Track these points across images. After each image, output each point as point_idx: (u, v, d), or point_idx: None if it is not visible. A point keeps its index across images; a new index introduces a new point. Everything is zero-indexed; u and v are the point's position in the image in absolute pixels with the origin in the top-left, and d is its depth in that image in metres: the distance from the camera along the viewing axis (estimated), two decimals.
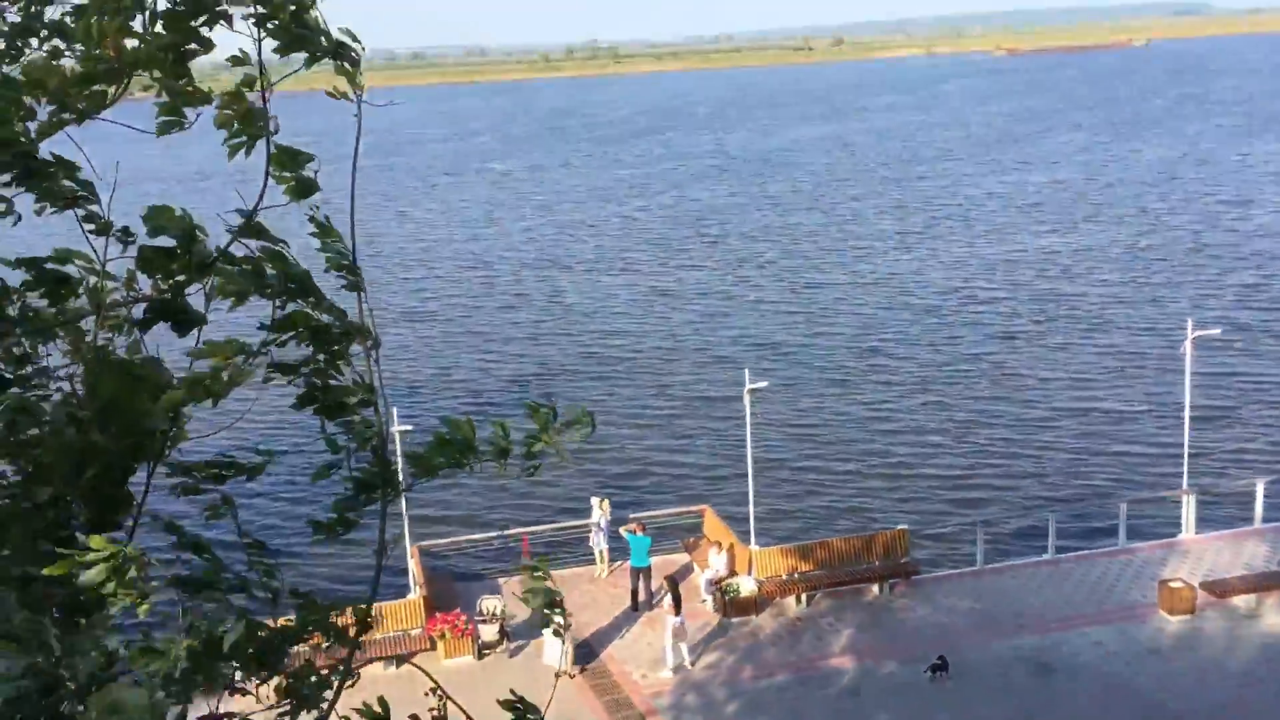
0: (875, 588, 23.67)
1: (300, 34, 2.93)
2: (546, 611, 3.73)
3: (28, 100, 2.99)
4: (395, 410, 21.82)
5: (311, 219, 3.07)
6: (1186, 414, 26.21)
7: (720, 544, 23.99)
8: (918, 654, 21.04)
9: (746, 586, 23.02)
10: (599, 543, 24.93)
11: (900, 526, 24.97)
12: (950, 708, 19.61)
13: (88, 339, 3.29)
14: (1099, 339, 43.43)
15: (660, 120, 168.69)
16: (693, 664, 21.18)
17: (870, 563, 23.98)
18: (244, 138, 3.12)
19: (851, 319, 48.08)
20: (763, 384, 25.58)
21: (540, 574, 3.81)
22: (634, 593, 23.36)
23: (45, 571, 2.84)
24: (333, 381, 3.24)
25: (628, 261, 63.35)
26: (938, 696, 19.97)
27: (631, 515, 25.48)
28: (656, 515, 26.86)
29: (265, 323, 3.09)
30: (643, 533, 23.70)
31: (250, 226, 3.08)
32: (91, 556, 2.78)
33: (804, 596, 23.40)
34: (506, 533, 26.63)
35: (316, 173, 3.23)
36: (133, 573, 2.89)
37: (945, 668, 20.38)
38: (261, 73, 2.93)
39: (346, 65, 2.96)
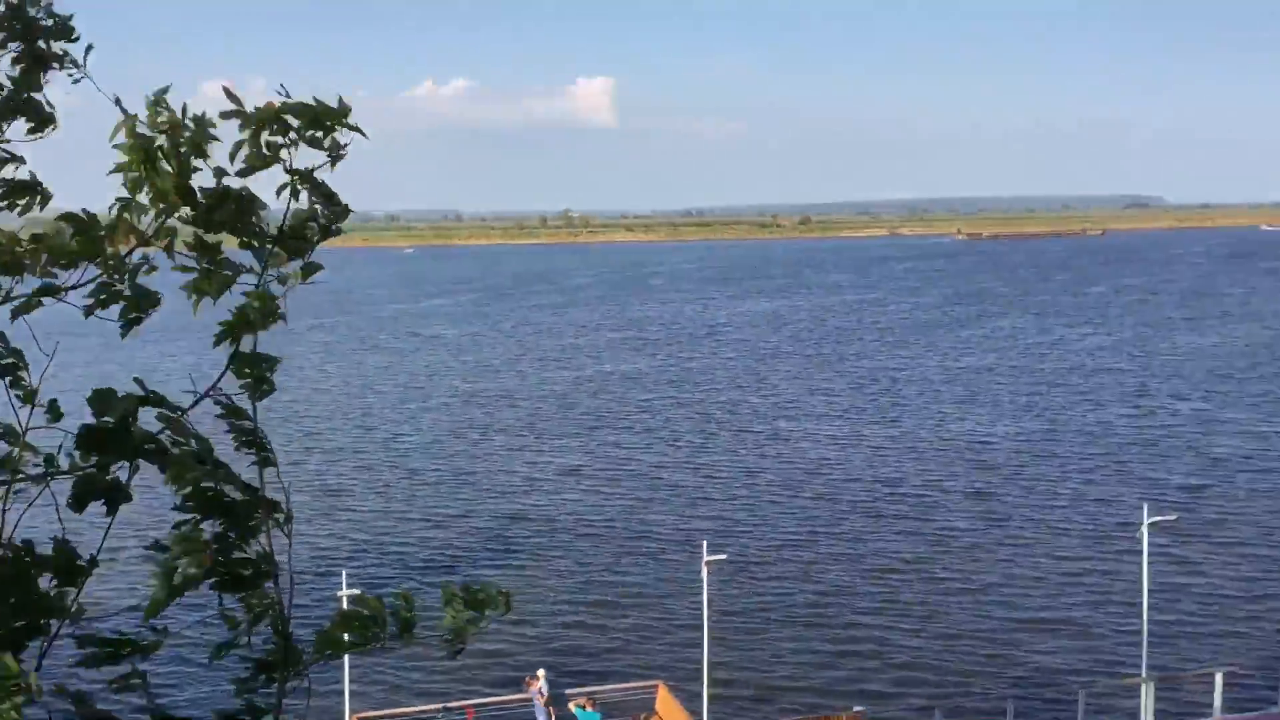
0: None
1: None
2: None
3: None
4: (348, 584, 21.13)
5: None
6: (1145, 599, 25.98)
7: None
8: None
9: None
10: (541, 716, 23.98)
11: (857, 709, 24.29)
12: None
13: None
14: (1053, 525, 43.42)
15: (613, 290, 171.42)
16: None
17: None
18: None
19: (799, 498, 47.82)
20: (721, 556, 25.14)
21: None
22: None
23: None
24: (235, 555, 3.05)
25: (557, 431, 62.85)
26: None
27: (577, 690, 24.60)
28: (606, 690, 25.96)
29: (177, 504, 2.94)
30: (592, 708, 22.85)
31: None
32: None
33: None
34: (451, 704, 25.59)
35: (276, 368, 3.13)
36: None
37: None
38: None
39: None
